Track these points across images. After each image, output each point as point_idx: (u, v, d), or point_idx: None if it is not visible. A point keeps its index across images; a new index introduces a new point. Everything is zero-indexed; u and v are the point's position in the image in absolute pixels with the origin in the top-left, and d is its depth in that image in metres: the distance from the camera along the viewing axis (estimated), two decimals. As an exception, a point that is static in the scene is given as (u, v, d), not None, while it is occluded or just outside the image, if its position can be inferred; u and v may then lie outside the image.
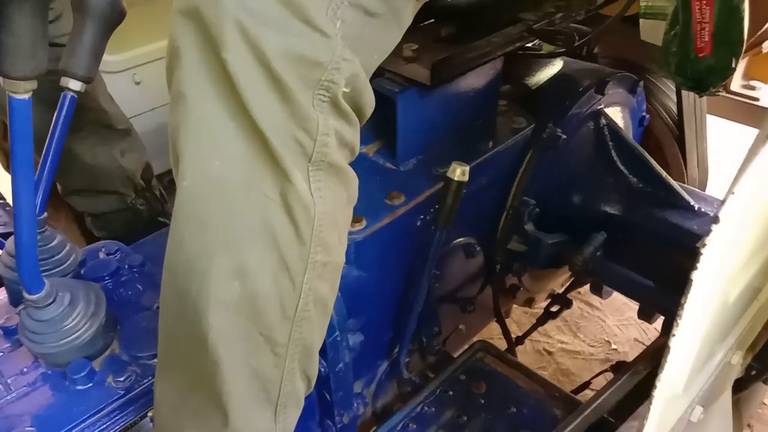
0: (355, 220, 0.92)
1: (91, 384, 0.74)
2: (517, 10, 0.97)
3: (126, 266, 0.89)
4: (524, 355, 2.02)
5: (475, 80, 1.08)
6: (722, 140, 1.88)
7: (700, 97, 1.16)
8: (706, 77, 0.92)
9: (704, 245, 0.47)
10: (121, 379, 0.74)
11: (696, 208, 1.20)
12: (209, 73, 0.53)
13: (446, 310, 1.16)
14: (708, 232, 0.46)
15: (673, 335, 0.51)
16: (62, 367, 0.74)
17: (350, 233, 0.91)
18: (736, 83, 1.63)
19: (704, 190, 1.59)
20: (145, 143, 1.35)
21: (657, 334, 1.93)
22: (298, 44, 0.53)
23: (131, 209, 1.28)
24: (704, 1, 0.81)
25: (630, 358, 1.99)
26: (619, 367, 1.25)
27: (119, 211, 1.28)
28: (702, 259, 0.47)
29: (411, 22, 0.68)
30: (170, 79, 0.56)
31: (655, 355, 1.14)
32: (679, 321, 0.50)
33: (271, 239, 0.57)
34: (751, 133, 1.81)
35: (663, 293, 1.16)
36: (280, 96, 0.54)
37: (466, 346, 1.34)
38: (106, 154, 1.21)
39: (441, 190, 0.96)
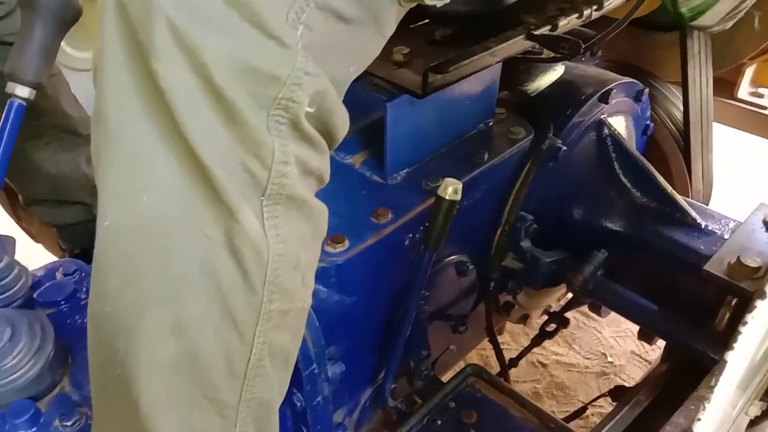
0: (337, 240, 0.84)
1: (35, 429, 0.66)
2: (518, 12, 0.89)
3: (84, 289, 0.81)
4: (517, 367, 1.96)
5: (471, 87, 1.00)
6: (724, 149, 1.80)
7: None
8: None
9: (745, 323, 0.39)
10: (69, 423, 0.66)
11: (703, 226, 1.13)
12: (136, 87, 0.44)
13: (436, 331, 1.09)
14: (752, 308, 0.38)
15: (699, 419, 0.44)
16: (2, 409, 0.66)
17: (331, 255, 0.83)
18: (744, 90, 1.56)
19: (708, 203, 1.53)
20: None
21: (655, 347, 1.87)
22: (247, 53, 0.44)
23: None
24: None
25: (626, 371, 1.93)
26: (618, 392, 1.18)
27: (86, 222, 1.20)
28: (739, 339, 0.40)
29: (395, 28, 0.60)
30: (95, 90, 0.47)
31: (656, 384, 1.07)
32: (706, 405, 0.43)
33: (213, 287, 0.48)
34: (757, 142, 1.75)
35: (666, 318, 1.09)
36: (225, 116, 0.45)
37: (456, 368, 1.27)
38: (70, 161, 1.12)
39: (431, 208, 0.89)
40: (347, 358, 0.92)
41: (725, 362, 0.43)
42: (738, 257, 0.96)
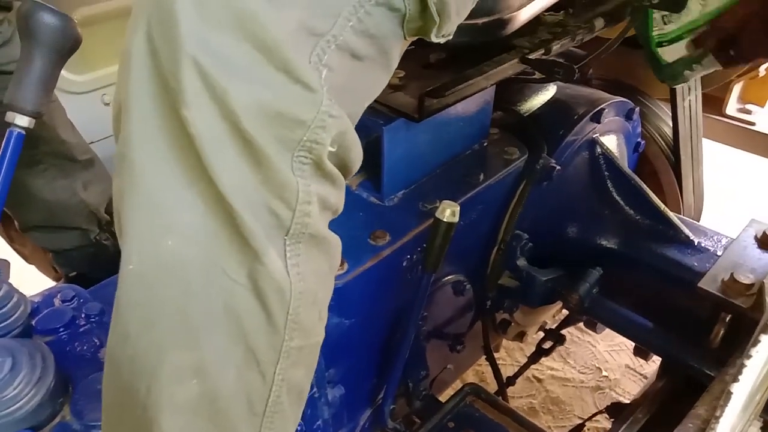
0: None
1: (35, 459, 0.65)
2: (512, 36, 0.91)
3: (83, 315, 0.81)
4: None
5: (465, 109, 1.01)
6: (713, 165, 1.83)
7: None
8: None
9: (749, 357, 0.40)
10: (71, 453, 0.66)
11: (696, 243, 1.14)
12: (164, 132, 0.45)
13: (434, 351, 1.09)
14: (756, 342, 0.39)
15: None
16: (3, 440, 0.66)
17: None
18: (732, 107, 1.59)
19: (699, 218, 1.54)
20: (113, 166, 1.26)
21: (650, 361, 1.88)
22: (275, 99, 0.45)
23: (95, 245, 1.19)
24: None
25: (621, 385, 1.93)
26: (615, 408, 1.19)
27: (82, 247, 1.19)
28: (745, 372, 0.40)
29: (398, 61, 0.61)
30: (117, 133, 0.48)
31: (653, 401, 1.08)
32: (713, 433, 0.44)
33: (236, 329, 0.48)
34: (745, 157, 1.77)
35: (661, 334, 1.10)
36: (253, 161, 0.45)
37: (454, 386, 1.27)
38: (67, 188, 1.12)
39: (429, 229, 0.89)
40: (347, 380, 0.92)
41: (731, 394, 0.44)
42: (732, 274, 0.97)
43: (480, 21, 0.76)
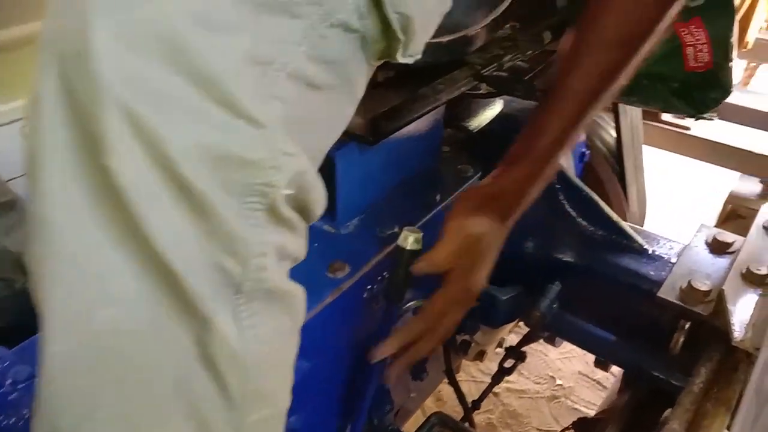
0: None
1: None
2: (462, 53, 0.88)
3: (8, 382, 0.71)
4: (470, 397, 1.94)
5: (418, 128, 0.97)
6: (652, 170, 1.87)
7: (696, 120, 1.21)
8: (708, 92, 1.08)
9: None
10: None
11: (650, 251, 1.14)
12: (86, 186, 0.37)
13: (398, 382, 1.04)
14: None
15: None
16: None
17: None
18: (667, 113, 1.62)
19: (642, 225, 1.57)
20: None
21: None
22: (216, 138, 0.39)
23: (22, 294, 1.07)
24: (693, 26, 0.86)
25: (576, 393, 1.94)
26: (582, 425, 1.17)
27: (6, 298, 1.07)
28: None
29: (365, 88, 0.56)
30: (30, 190, 0.40)
31: (621, 414, 1.06)
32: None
33: (187, 408, 0.41)
34: (682, 161, 1.83)
35: (623, 347, 1.09)
36: (194, 212, 0.39)
37: (419, 409, 1.22)
38: None
39: (390, 258, 0.85)
40: (309, 426, 0.85)
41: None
42: (689, 282, 0.98)
43: (444, 39, 0.73)
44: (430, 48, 0.57)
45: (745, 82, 2.31)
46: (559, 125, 0.74)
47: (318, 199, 0.48)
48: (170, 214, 0.38)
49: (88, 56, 0.36)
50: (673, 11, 0.67)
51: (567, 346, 2.08)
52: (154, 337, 0.39)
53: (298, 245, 0.47)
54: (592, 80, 0.71)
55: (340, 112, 0.52)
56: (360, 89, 0.53)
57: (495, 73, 0.89)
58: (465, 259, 0.81)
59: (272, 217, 0.43)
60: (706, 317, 0.96)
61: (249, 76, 0.41)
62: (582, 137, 1.36)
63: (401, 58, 0.52)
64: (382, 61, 0.53)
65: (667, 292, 0.99)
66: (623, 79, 0.72)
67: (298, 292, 0.49)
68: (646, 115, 1.54)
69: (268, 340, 0.45)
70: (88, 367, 0.39)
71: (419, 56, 0.54)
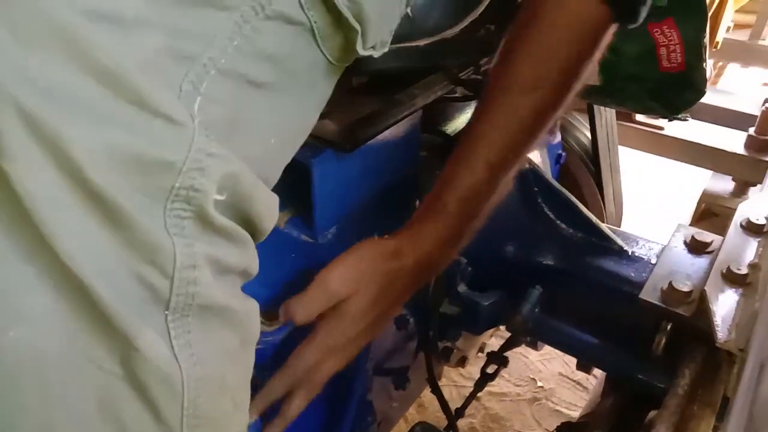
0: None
1: None
2: (439, 57, 0.86)
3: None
4: (452, 403, 1.93)
5: (396, 134, 0.96)
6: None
7: (670, 120, 1.21)
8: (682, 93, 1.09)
9: None
10: None
11: (630, 253, 1.14)
12: None
13: (380, 394, 1.02)
14: None
15: None
16: None
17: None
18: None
19: (619, 225, 1.57)
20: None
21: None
22: (128, 139, 0.36)
23: None
24: (665, 26, 0.86)
25: (557, 394, 1.94)
26: (565, 429, 1.16)
27: None
28: None
29: (330, 89, 0.53)
30: None
31: (605, 419, 1.06)
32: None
33: (116, 430, 0.39)
34: (656, 161, 1.84)
35: (606, 350, 1.08)
36: (106, 220, 0.36)
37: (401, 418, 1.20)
38: None
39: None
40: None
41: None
42: (670, 283, 0.97)
43: (421, 43, 0.71)
44: (406, 52, 0.55)
45: (714, 81, 2.34)
46: (470, 179, 0.67)
47: (264, 211, 0.45)
48: (79, 223, 0.35)
49: None
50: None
51: (547, 348, 2.08)
52: (72, 357, 0.36)
53: (242, 257, 0.44)
54: (511, 125, 0.65)
55: (290, 113, 0.49)
56: (320, 88, 0.50)
57: (472, 77, 0.88)
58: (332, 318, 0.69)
59: (202, 225, 0.40)
60: (688, 318, 0.95)
61: (170, 72, 0.38)
62: (557, 139, 1.36)
63: (362, 51, 0.49)
64: (348, 58, 0.51)
65: (649, 294, 0.98)
66: (548, 124, 0.67)
67: (247, 308, 0.46)
68: (620, 116, 1.55)
69: (207, 360, 0.42)
70: (2, 393, 0.36)
71: (385, 49, 0.51)
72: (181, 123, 0.38)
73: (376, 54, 0.52)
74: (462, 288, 1.09)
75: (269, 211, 0.47)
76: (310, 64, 0.47)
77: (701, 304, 0.93)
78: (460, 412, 1.19)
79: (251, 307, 0.47)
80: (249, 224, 0.45)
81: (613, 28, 0.64)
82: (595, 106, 1.35)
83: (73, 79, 0.35)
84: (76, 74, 0.35)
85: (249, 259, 0.46)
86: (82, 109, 0.35)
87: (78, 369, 0.37)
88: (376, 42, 0.51)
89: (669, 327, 1.02)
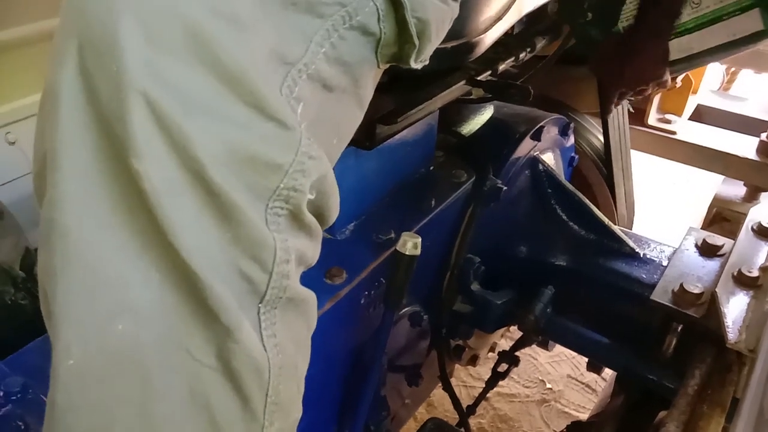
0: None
1: None
2: (461, 58, 0.88)
3: (1, 394, 0.70)
4: (461, 402, 1.95)
5: (413, 133, 0.98)
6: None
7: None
8: None
9: None
10: None
11: (641, 255, 1.15)
12: (108, 191, 0.36)
13: (394, 388, 1.04)
14: None
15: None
16: None
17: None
18: (653, 117, 1.64)
19: (631, 228, 1.58)
20: (22, 213, 1.13)
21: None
22: (246, 140, 0.38)
23: (11, 306, 1.05)
24: None
25: (566, 396, 1.95)
26: (575, 429, 1.17)
27: None
28: None
29: (372, 92, 0.55)
30: (41, 193, 0.38)
31: (614, 418, 1.07)
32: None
33: (206, 422, 0.40)
34: (668, 165, 1.84)
35: (617, 350, 1.09)
36: (220, 216, 0.38)
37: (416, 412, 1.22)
38: None
39: (387, 263, 0.84)
40: (308, 433, 0.84)
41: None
42: (681, 284, 0.98)
43: (449, 45, 0.73)
44: (434, 54, 0.56)
45: (726, 87, 2.35)
46: None
47: (334, 205, 0.47)
48: (197, 219, 0.37)
49: (113, 50, 0.34)
50: None
51: (557, 349, 2.10)
52: (173, 349, 0.38)
53: (314, 252, 0.47)
54: None
55: (349, 114, 0.52)
56: (367, 92, 0.52)
57: (489, 78, 0.89)
58: None
59: (295, 222, 0.42)
60: (698, 319, 0.97)
61: (275, 76, 0.40)
62: (571, 141, 1.37)
63: (413, 63, 0.52)
64: (388, 65, 0.53)
65: (660, 295, 1.00)
66: None
67: (312, 300, 0.48)
68: (632, 120, 1.56)
69: (286, 349, 0.44)
70: (105, 382, 0.37)
71: (426, 62, 0.54)
72: (290, 127, 0.40)
73: (419, 67, 0.54)
74: (475, 286, 1.11)
75: (337, 205, 0.49)
76: (366, 69, 0.50)
77: (712, 305, 0.95)
78: (472, 409, 1.21)
79: (314, 299, 0.49)
80: (321, 218, 0.47)
81: None
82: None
83: (198, 77, 0.36)
84: (200, 71, 0.36)
85: (317, 254, 0.49)
86: (204, 107, 0.36)
87: (176, 360, 0.39)
88: (424, 57, 0.54)
89: (679, 328, 1.03)
